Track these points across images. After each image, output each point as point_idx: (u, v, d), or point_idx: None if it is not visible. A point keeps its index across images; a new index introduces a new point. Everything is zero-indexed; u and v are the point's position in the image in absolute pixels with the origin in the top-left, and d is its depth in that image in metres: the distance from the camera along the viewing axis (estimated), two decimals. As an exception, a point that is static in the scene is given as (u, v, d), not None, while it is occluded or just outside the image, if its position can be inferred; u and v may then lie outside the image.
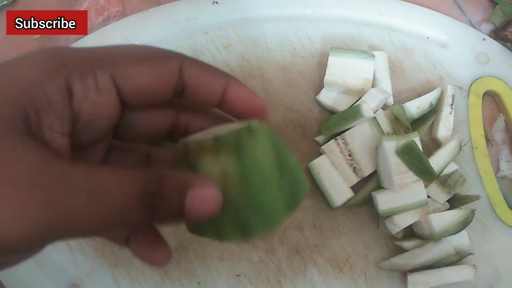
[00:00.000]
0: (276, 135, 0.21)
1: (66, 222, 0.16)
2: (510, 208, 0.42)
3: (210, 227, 0.21)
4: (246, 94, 0.23)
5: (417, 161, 0.36)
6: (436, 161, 0.39)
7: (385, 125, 0.40)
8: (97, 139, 0.22)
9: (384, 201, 0.37)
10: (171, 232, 0.39)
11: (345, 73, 0.41)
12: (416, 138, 0.37)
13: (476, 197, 0.39)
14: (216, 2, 0.46)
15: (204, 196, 0.19)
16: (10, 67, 0.18)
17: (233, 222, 0.20)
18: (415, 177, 0.37)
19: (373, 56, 0.41)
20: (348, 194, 0.39)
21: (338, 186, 0.39)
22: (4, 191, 0.15)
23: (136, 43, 0.44)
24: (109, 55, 0.20)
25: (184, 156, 0.20)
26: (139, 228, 0.21)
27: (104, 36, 0.44)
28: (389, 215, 0.37)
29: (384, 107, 0.43)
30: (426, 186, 0.38)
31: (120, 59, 0.20)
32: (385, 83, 0.43)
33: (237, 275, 0.39)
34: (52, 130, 0.18)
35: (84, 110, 0.19)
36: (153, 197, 0.18)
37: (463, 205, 0.39)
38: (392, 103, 0.43)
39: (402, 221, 0.37)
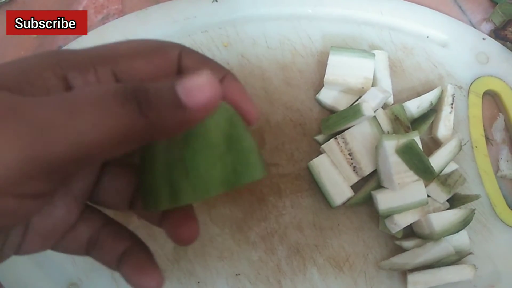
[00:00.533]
0: (238, 117, 0.21)
1: (49, 142, 0.15)
2: (510, 207, 0.42)
3: (148, 190, 0.20)
4: (238, 91, 0.22)
5: (417, 161, 0.36)
6: (436, 161, 0.39)
7: (385, 124, 0.40)
8: None
9: (384, 200, 0.37)
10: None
11: (345, 72, 0.41)
12: (416, 138, 0.37)
13: (476, 197, 0.39)
14: (216, 1, 0.46)
15: (197, 82, 0.17)
16: (10, 62, 0.19)
17: (165, 183, 0.20)
18: (415, 177, 0.37)
19: (373, 55, 0.41)
20: (348, 193, 0.39)
21: (338, 186, 0.39)
22: None
23: (136, 41, 0.44)
24: (109, 52, 0.20)
25: None
26: (143, 139, 0.18)
27: (103, 35, 0.44)
28: (389, 214, 0.37)
29: (384, 106, 0.43)
30: (426, 186, 0.38)
31: (119, 55, 0.20)
32: (385, 82, 0.43)
33: (236, 275, 0.39)
34: None
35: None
36: (134, 90, 0.16)
37: (463, 204, 0.39)
38: (392, 102, 0.43)
39: (402, 221, 0.37)
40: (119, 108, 0.16)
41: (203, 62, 0.22)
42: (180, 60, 0.21)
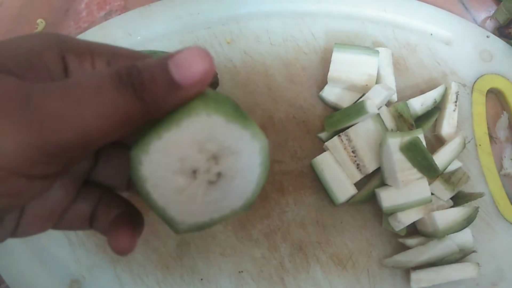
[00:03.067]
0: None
1: (51, 127, 0.16)
2: (513, 206, 0.42)
3: None
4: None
5: (421, 158, 0.36)
6: (440, 158, 0.39)
7: (389, 122, 0.40)
8: None
9: (387, 198, 0.37)
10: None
11: (349, 69, 0.41)
12: (420, 135, 0.37)
13: (480, 195, 0.39)
14: (219, -3, 0.45)
15: (192, 60, 0.17)
16: (10, 40, 0.19)
17: None
18: (419, 174, 0.36)
19: (377, 52, 0.41)
20: (351, 190, 0.39)
21: (342, 183, 0.39)
22: None
23: (139, 37, 0.44)
24: (109, 48, 0.21)
25: None
26: (141, 120, 0.18)
27: (106, 30, 0.44)
28: (393, 212, 0.37)
29: (388, 103, 0.42)
30: (429, 184, 0.38)
31: (117, 52, 0.21)
32: (389, 80, 0.42)
33: (239, 272, 0.39)
34: None
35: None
36: (132, 83, 0.17)
37: (467, 202, 0.39)
38: (396, 99, 0.43)
39: (406, 218, 0.37)
40: (116, 94, 0.17)
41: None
42: None
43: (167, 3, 0.45)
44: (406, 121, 0.40)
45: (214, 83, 0.41)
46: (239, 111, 0.19)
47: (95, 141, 0.17)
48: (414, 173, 0.36)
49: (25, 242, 0.38)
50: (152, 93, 0.17)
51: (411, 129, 0.39)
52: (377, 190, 0.38)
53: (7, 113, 0.16)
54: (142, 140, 0.18)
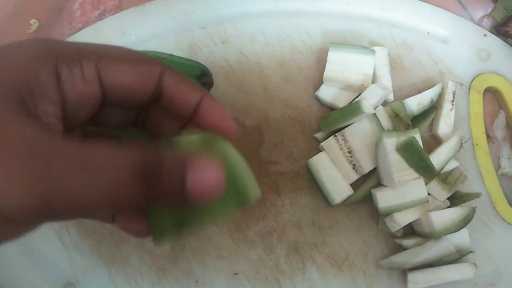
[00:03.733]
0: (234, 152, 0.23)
1: (61, 195, 0.17)
2: (510, 205, 0.42)
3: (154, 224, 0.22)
4: (218, 111, 0.23)
5: (417, 158, 0.35)
6: (437, 158, 0.38)
7: (385, 122, 0.40)
8: (77, 126, 0.22)
9: (383, 198, 0.37)
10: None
11: (345, 68, 0.40)
12: (416, 135, 0.36)
13: (477, 195, 0.39)
14: (214, -4, 0.45)
15: (207, 176, 0.19)
16: (3, 52, 0.19)
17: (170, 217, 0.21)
18: (416, 174, 0.36)
19: (373, 51, 0.41)
20: (347, 191, 0.39)
21: (338, 183, 0.39)
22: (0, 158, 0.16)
23: (133, 37, 0.43)
24: (96, 50, 0.21)
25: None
26: (134, 208, 0.20)
27: (100, 30, 0.44)
28: (389, 212, 0.37)
29: (384, 103, 0.42)
30: (426, 184, 0.37)
31: (106, 54, 0.21)
32: (386, 79, 0.42)
33: (235, 274, 0.38)
34: (46, 113, 0.19)
35: (70, 97, 0.20)
36: (150, 176, 0.18)
37: (464, 202, 0.38)
38: (393, 99, 0.42)
39: (402, 219, 0.37)
40: (132, 192, 0.18)
41: (183, 82, 0.23)
42: (162, 77, 0.22)
43: (162, 2, 0.45)
44: (402, 120, 0.39)
45: (209, 83, 0.40)
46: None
47: (90, 214, 0.19)
48: (411, 174, 0.36)
49: (19, 244, 0.38)
50: (159, 198, 0.18)
51: (408, 129, 0.39)
52: (373, 190, 0.38)
53: (23, 165, 0.16)
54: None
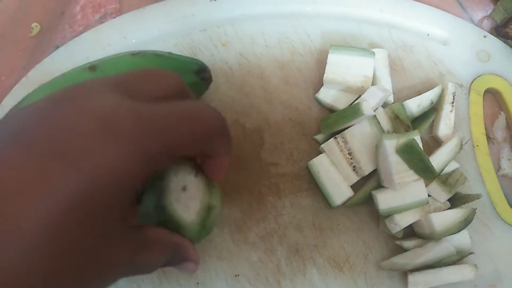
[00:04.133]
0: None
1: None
2: (511, 206, 0.42)
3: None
4: (224, 168, 0.28)
5: (417, 160, 0.35)
6: (437, 160, 0.38)
7: (385, 124, 0.40)
8: None
9: (384, 200, 0.37)
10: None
11: (344, 70, 0.40)
12: (416, 137, 0.36)
13: (477, 196, 0.39)
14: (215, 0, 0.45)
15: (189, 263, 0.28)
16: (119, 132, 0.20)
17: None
18: (416, 176, 0.36)
19: (373, 53, 0.41)
20: (348, 193, 0.39)
21: (338, 185, 0.39)
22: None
23: (134, 40, 0.44)
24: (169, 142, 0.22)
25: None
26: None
27: (101, 33, 0.44)
28: (389, 214, 0.37)
29: (384, 105, 0.42)
30: (426, 185, 0.38)
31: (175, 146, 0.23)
32: (385, 81, 0.42)
33: (236, 275, 0.38)
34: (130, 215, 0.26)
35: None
36: (172, 256, 0.26)
37: (464, 204, 0.39)
38: (393, 101, 0.43)
39: (403, 221, 0.37)
40: (162, 262, 0.26)
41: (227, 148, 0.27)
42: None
43: (162, 5, 0.45)
44: (402, 122, 0.39)
45: (207, 79, 0.40)
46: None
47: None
48: (411, 175, 0.36)
49: None
50: (172, 264, 0.28)
51: (408, 131, 0.39)
52: (373, 192, 0.38)
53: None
54: None
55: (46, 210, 0.17)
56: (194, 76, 0.38)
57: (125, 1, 0.46)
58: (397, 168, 0.36)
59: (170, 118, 0.22)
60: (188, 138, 0.23)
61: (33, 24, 0.45)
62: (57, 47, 0.44)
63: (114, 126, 0.19)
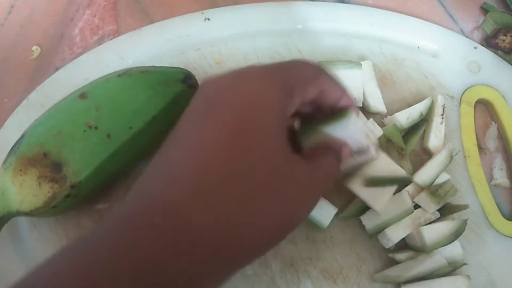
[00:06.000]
0: None
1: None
2: (503, 216, 0.42)
3: None
4: (337, 91, 0.31)
5: (388, 182, 0.36)
6: (427, 172, 0.39)
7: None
8: None
9: (368, 219, 0.38)
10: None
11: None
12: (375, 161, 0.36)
13: (465, 207, 0.39)
14: (208, 19, 0.47)
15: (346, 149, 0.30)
16: (268, 96, 0.25)
17: None
18: (393, 189, 0.37)
19: (360, 64, 0.42)
20: (332, 210, 0.39)
21: (320, 207, 0.39)
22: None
23: (130, 61, 0.45)
24: (297, 82, 0.28)
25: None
26: None
27: (99, 55, 0.45)
28: (377, 232, 0.38)
29: (379, 117, 0.43)
30: (415, 196, 0.38)
31: (308, 90, 0.28)
32: (374, 93, 0.43)
33: (231, 289, 0.39)
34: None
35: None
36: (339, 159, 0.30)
37: (452, 214, 0.39)
38: (386, 111, 0.43)
39: (395, 236, 0.37)
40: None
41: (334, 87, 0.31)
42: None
43: (157, 26, 0.46)
44: (395, 145, 0.40)
45: (194, 85, 0.40)
46: None
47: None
48: (388, 191, 0.36)
49: (14, 244, 0.39)
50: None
51: (401, 153, 0.40)
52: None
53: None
54: None
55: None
56: (181, 85, 0.39)
57: (122, 23, 0.48)
58: (373, 197, 0.36)
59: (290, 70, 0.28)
60: (302, 75, 0.28)
61: (34, 47, 0.46)
62: (57, 69, 0.45)
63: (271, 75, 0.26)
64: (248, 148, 0.23)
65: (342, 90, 0.31)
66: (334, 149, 0.29)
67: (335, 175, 0.29)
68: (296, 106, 0.28)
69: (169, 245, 0.21)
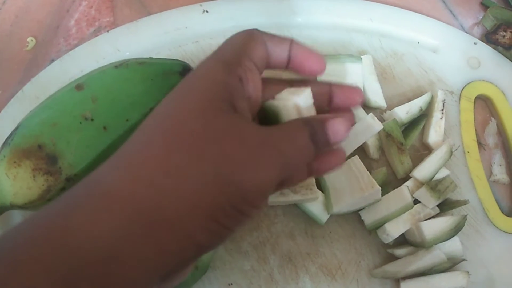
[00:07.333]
0: None
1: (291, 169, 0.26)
2: (502, 212, 0.42)
3: None
4: (305, 52, 0.30)
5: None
6: (427, 168, 0.39)
7: (375, 152, 0.41)
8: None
9: (367, 214, 0.37)
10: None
11: (337, 79, 0.41)
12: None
13: (464, 202, 0.39)
14: (207, 11, 0.46)
15: (335, 124, 0.27)
16: (203, 73, 0.26)
17: None
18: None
19: (360, 58, 0.42)
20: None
21: (319, 203, 0.39)
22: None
23: (127, 53, 0.44)
24: (246, 53, 0.28)
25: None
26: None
27: (96, 47, 0.45)
28: (377, 227, 0.37)
29: (379, 111, 0.43)
30: (415, 191, 0.38)
31: (251, 48, 0.28)
32: (374, 87, 0.43)
33: (229, 284, 0.39)
34: (244, 110, 0.25)
35: (250, 89, 0.27)
36: (315, 135, 0.26)
37: (451, 209, 0.39)
38: (385, 106, 0.43)
39: (394, 231, 0.37)
40: (310, 145, 0.26)
41: (272, 38, 0.30)
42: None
43: (155, 18, 0.46)
44: (395, 140, 0.40)
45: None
46: None
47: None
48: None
49: None
50: (320, 148, 0.26)
51: (400, 148, 0.39)
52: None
53: (262, 151, 0.24)
54: None
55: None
56: (180, 77, 0.38)
57: (118, 14, 0.47)
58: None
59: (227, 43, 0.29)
60: (239, 40, 0.29)
61: (29, 38, 0.46)
62: (52, 60, 0.45)
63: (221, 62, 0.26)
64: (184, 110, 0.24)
65: (286, 38, 0.31)
66: (311, 124, 0.27)
67: (302, 148, 0.26)
68: (252, 67, 0.27)
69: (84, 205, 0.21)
